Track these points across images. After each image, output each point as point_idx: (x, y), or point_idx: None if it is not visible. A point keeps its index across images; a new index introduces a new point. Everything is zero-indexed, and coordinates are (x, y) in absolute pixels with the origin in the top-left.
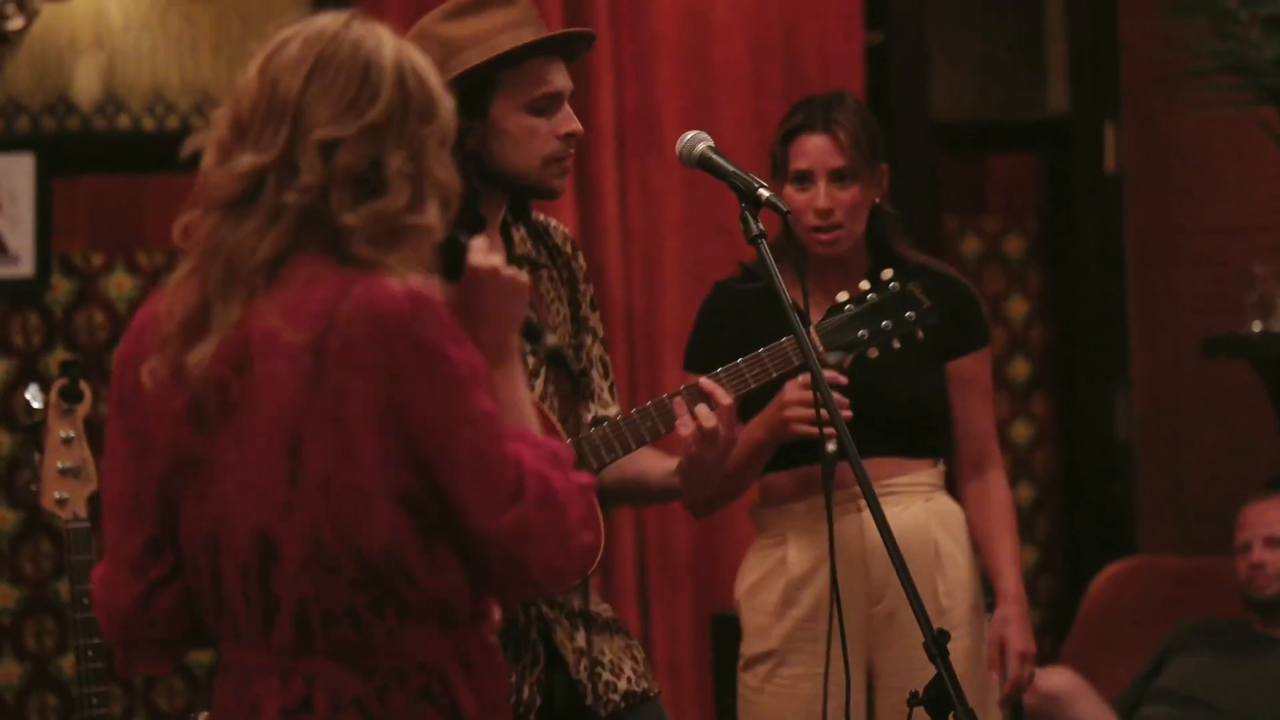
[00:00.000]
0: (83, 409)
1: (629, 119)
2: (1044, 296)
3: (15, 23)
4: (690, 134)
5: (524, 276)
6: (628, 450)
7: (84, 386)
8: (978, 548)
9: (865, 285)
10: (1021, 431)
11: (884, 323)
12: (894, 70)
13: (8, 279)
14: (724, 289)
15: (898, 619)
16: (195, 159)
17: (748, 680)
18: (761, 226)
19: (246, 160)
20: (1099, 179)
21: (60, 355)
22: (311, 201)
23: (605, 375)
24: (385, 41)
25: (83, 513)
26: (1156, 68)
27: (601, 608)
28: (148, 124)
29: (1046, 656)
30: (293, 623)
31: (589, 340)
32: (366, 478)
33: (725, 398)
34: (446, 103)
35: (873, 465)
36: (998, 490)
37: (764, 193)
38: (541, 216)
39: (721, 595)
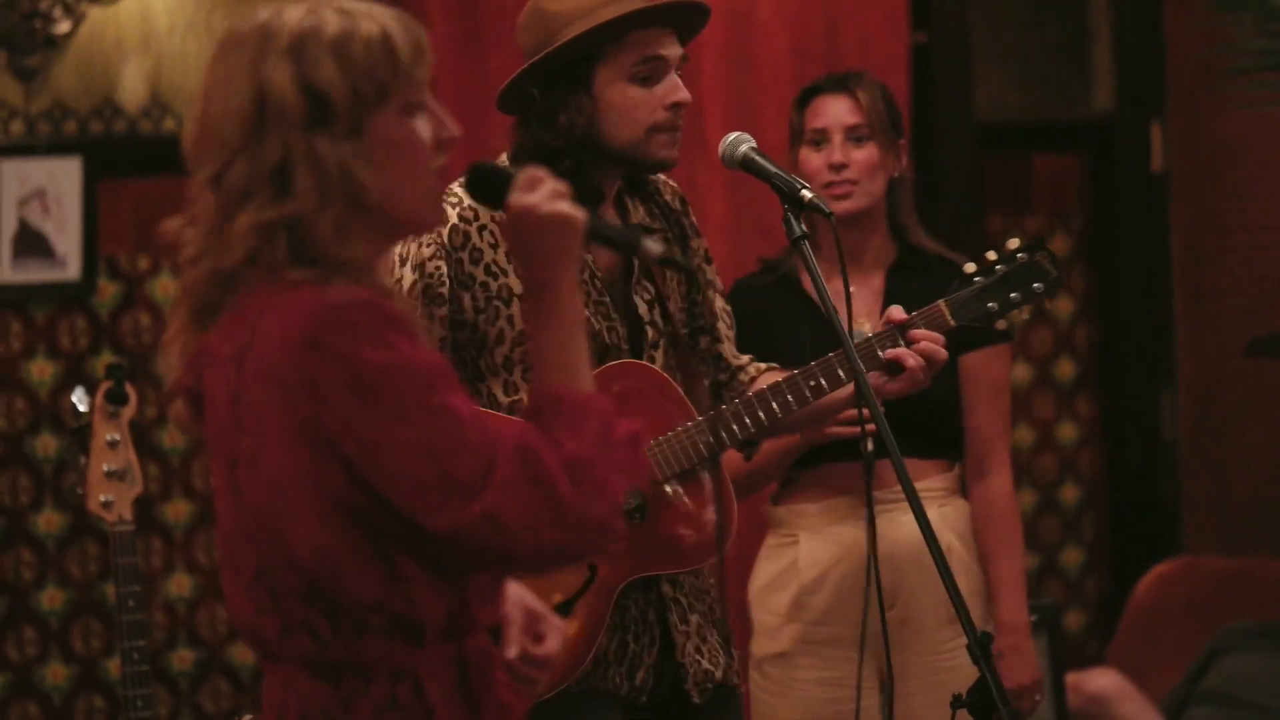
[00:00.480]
0: (128, 412)
1: None
2: (1089, 296)
3: (62, 26)
4: (733, 135)
5: (575, 212)
6: (759, 426)
7: (129, 389)
8: (981, 558)
9: (992, 256)
10: (1068, 432)
11: (1013, 294)
12: (938, 70)
13: (55, 282)
14: (741, 285)
15: (909, 625)
16: None
17: (759, 681)
18: (804, 228)
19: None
20: (1144, 178)
21: (106, 358)
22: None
23: (731, 326)
24: (269, 52)
25: (128, 515)
26: (1201, 66)
27: (711, 595)
28: None
29: (1093, 657)
30: (258, 633)
31: (711, 294)
32: (292, 491)
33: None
34: (340, 96)
35: (887, 467)
36: (998, 498)
37: (807, 194)
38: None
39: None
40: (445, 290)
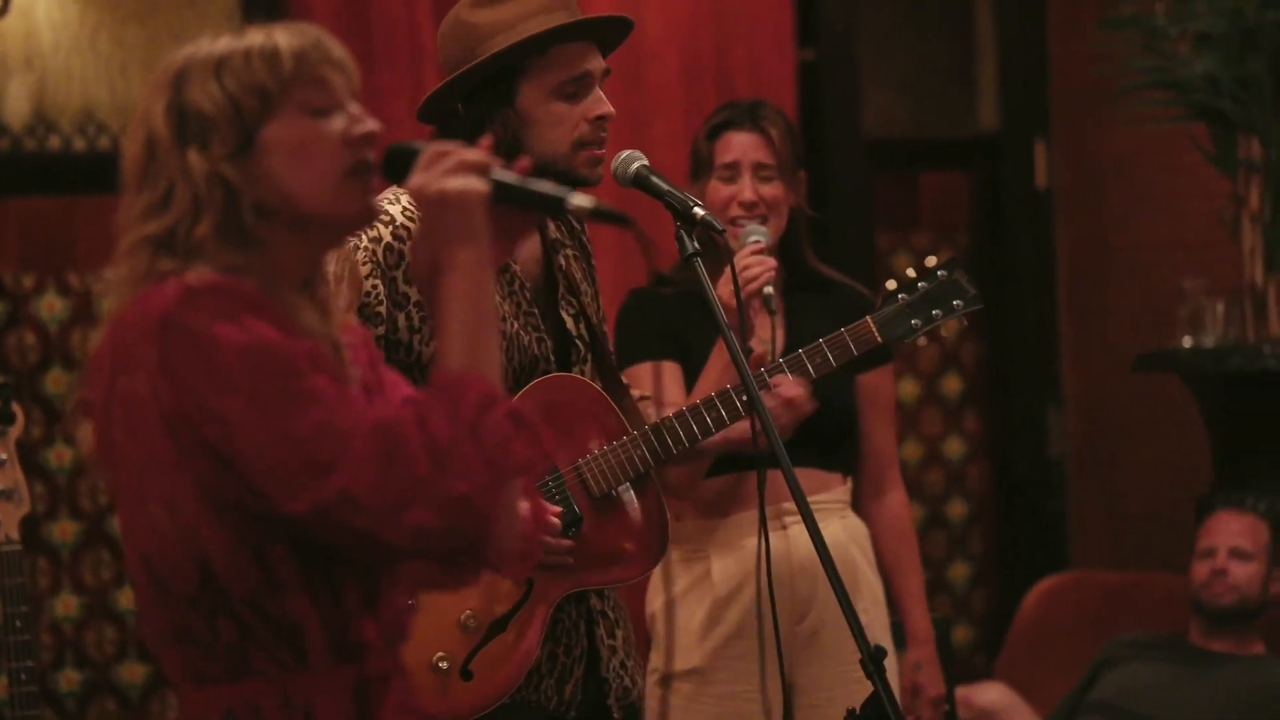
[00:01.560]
0: (14, 431)
1: None
2: (976, 312)
3: None
4: (625, 153)
5: (472, 185)
6: (693, 440)
7: (16, 409)
8: (882, 573)
9: (912, 273)
10: (954, 447)
11: (935, 310)
12: (826, 88)
13: None
14: (641, 294)
15: (820, 638)
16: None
17: (665, 697)
18: (697, 245)
19: None
20: (1030, 195)
21: None
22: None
23: (618, 395)
24: (155, 88)
25: (15, 535)
26: (1086, 84)
27: (623, 610)
28: (79, 145)
29: (981, 672)
30: (155, 649)
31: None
32: (162, 480)
33: (795, 389)
34: (199, 104)
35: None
36: (900, 515)
37: (699, 211)
38: None
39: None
40: (382, 309)
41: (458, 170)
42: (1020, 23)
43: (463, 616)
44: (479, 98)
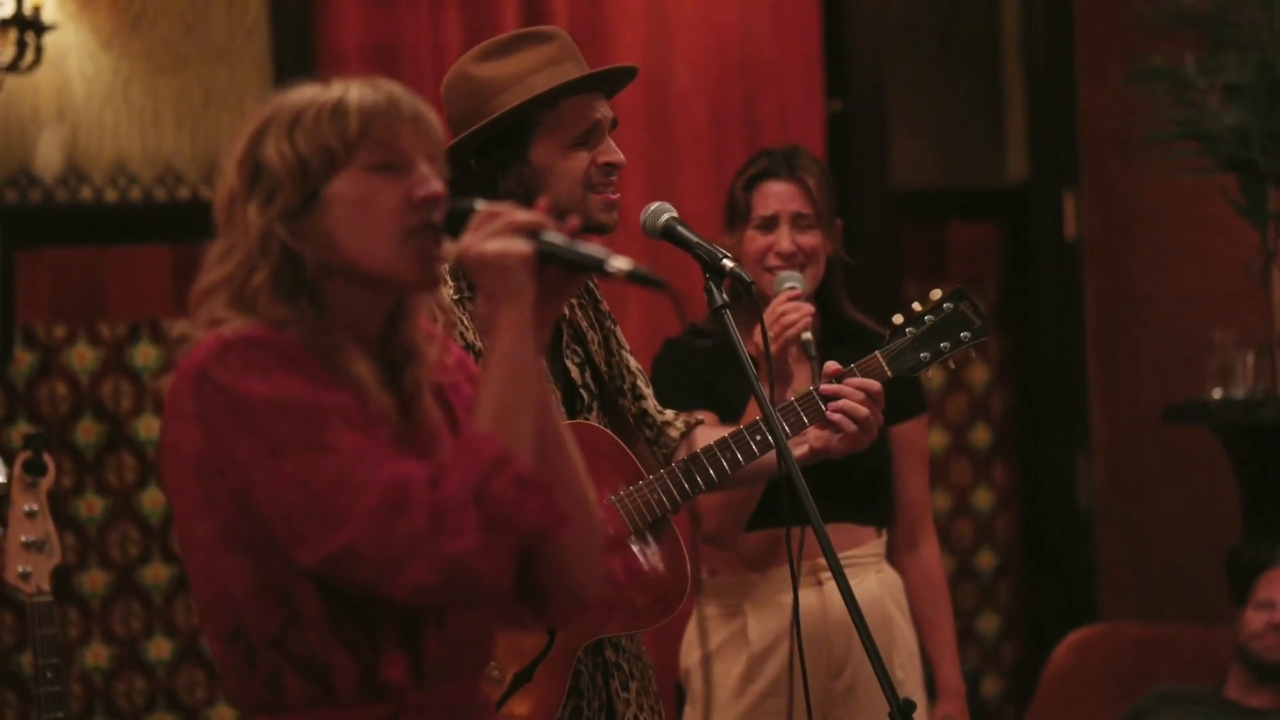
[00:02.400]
0: (46, 482)
1: None
2: (1004, 363)
3: None
4: (654, 205)
5: (514, 247)
6: (710, 483)
7: (48, 460)
8: (915, 625)
9: (919, 307)
10: (983, 498)
11: (943, 343)
12: (854, 138)
13: None
14: (674, 344)
15: (856, 694)
16: (156, 231)
17: None
18: (726, 297)
19: None
20: (1059, 246)
21: (23, 428)
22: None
23: (648, 384)
24: (240, 139)
25: (46, 586)
26: (1116, 135)
27: (648, 665)
28: (110, 196)
29: None
30: (224, 682)
31: (624, 354)
32: (193, 523)
33: (873, 384)
34: (267, 160)
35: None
36: (933, 568)
37: (728, 263)
38: None
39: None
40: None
41: (503, 232)
42: (1049, 73)
43: (488, 668)
44: (491, 153)
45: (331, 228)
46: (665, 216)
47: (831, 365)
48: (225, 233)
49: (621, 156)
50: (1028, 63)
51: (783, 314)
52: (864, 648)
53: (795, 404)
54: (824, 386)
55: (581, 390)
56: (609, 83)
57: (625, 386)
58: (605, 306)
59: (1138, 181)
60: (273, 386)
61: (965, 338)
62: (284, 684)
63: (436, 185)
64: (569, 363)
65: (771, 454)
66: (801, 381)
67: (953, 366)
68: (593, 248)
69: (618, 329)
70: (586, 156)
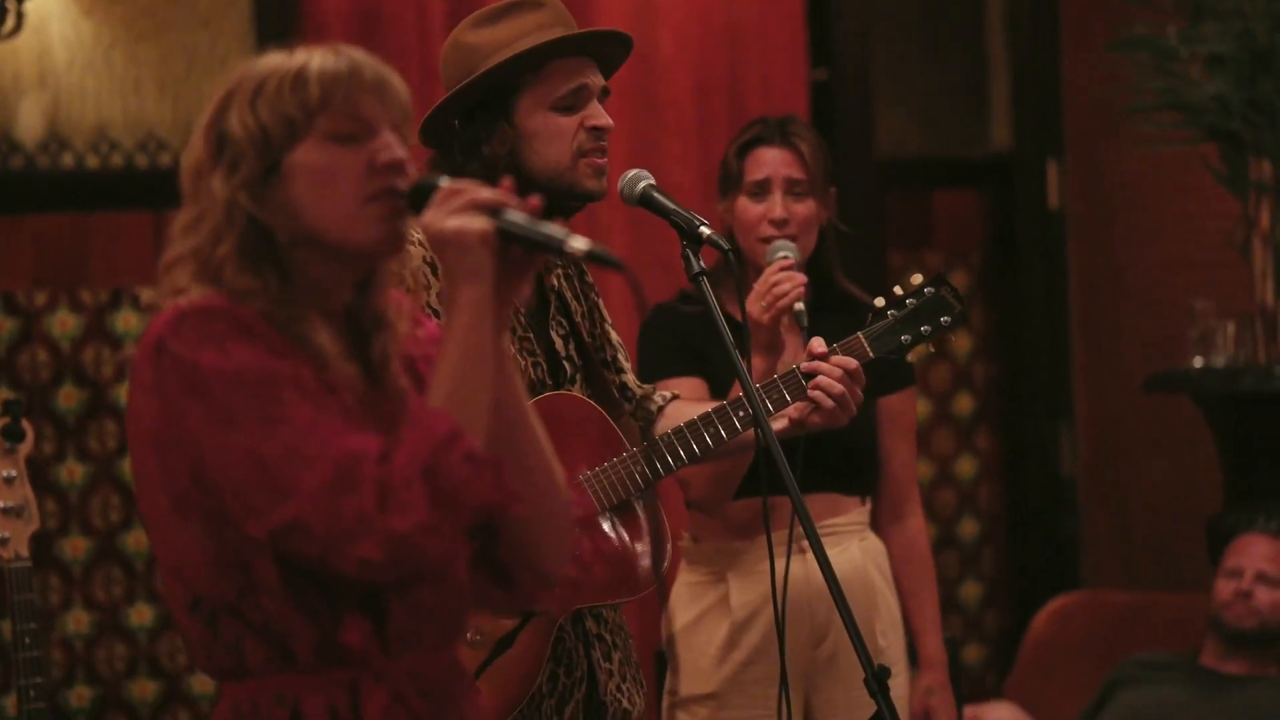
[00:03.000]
0: (25, 448)
1: None
2: (988, 332)
3: None
4: (631, 172)
5: (473, 224)
6: (693, 457)
7: (26, 425)
8: (899, 596)
9: (899, 290)
10: (966, 467)
11: (923, 327)
12: (839, 107)
13: None
14: (663, 309)
15: (837, 661)
16: (138, 198)
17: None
18: (703, 264)
19: None
20: (1042, 215)
21: (4, 394)
22: None
23: (628, 357)
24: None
25: (24, 552)
26: (1099, 105)
27: (629, 635)
28: (92, 163)
29: (992, 691)
30: (188, 650)
31: (606, 326)
32: (158, 496)
33: (851, 362)
34: (230, 130)
35: (810, 502)
36: (918, 539)
37: (705, 230)
38: None
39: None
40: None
41: (463, 209)
42: (1033, 43)
43: (469, 633)
44: (476, 115)
45: (294, 197)
46: (643, 184)
47: (816, 344)
48: (191, 201)
49: (609, 120)
50: (1012, 32)
51: (775, 284)
52: (839, 615)
53: (779, 381)
54: (805, 364)
55: (565, 362)
56: (596, 46)
57: (608, 358)
58: (590, 278)
59: (1121, 151)
60: (227, 357)
61: (945, 322)
62: (245, 649)
63: (399, 151)
64: (554, 334)
65: (747, 431)
66: (793, 351)
67: (932, 350)
68: (552, 227)
69: (600, 301)
70: (571, 120)
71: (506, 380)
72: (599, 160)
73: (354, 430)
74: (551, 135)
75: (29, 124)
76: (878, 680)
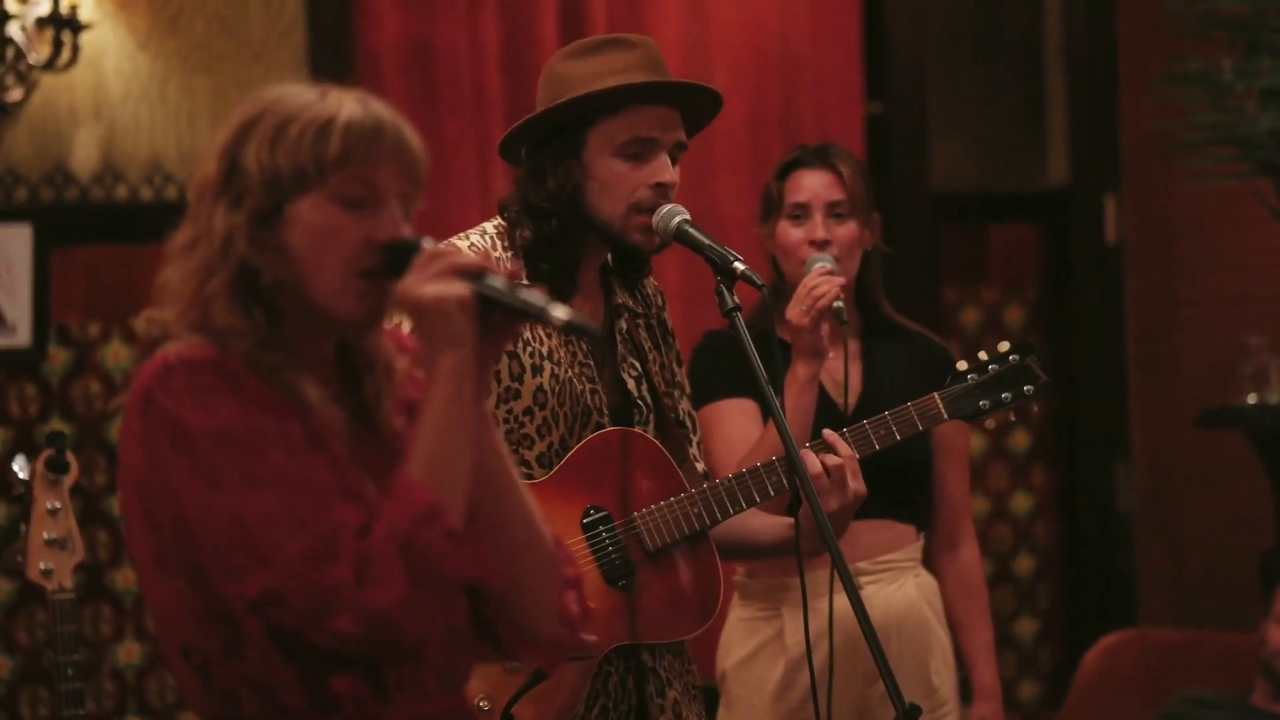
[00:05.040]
0: (69, 479)
1: None
2: (1044, 367)
3: (14, 94)
4: (666, 207)
5: (451, 291)
6: (751, 503)
7: (70, 457)
8: (952, 627)
9: (984, 355)
10: (1022, 502)
11: (1004, 394)
12: (894, 141)
13: (5, 349)
14: (715, 334)
15: (890, 700)
16: None
17: None
18: (737, 300)
19: None
20: (1099, 249)
21: (57, 425)
22: None
23: (695, 431)
24: (227, 126)
25: (68, 583)
26: (1155, 140)
27: (691, 670)
28: (145, 194)
29: None
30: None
31: (679, 395)
32: (142, 547)
33: (846, 449)
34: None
35: (865, 530)
36: (972, 568)
37: (739, 266)
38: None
39: (709, 668)
40: None
41: (443, 275)
42: (1091, 77)
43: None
44: (549, 146)
45: (289, 244)
46: (677, 219)
47: (827, 434)
48: (191, 221)
49: (673, 177)
50: (1069, 66)
51: (813, 287)
52: (870, 651)
53: (776, 463)
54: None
55: (639, 402)
56: (679, 98)
57: (681, 417)
58: (673, 340)
59: (1177, 186)
60: (213, 415)
61: (1028, 391)
62: (240, 699)
63: (400, 231)
64: (625, 375)
65: None
66: (836, 371)
67: (1012, 419)
68: (533, 295)
69: (682, 370)
70: (635, 171)
71: (487, 443)
72: (650, 219)
73: (338, 492)
74: (612, 181)
75: (84, 156)
76: (909, 718)
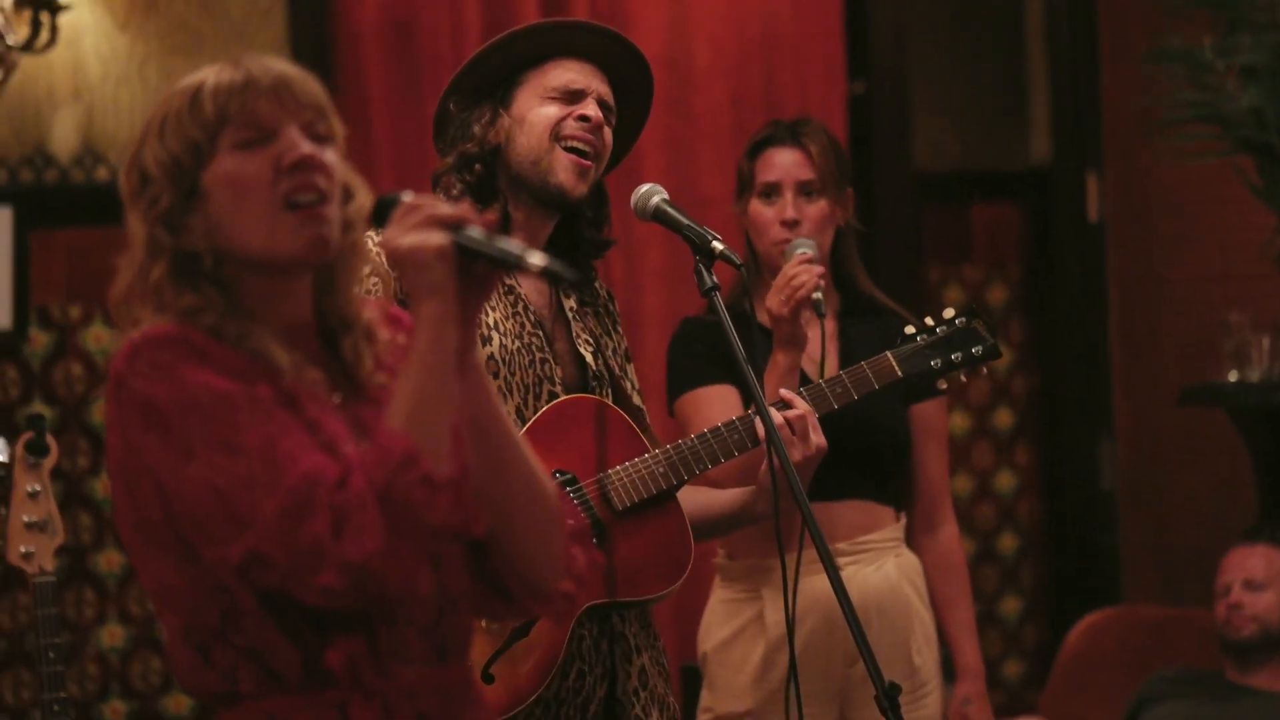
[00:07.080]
0: (49, 463)
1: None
2: (1027, 345)
3: None
4: (645, 187)
5: (432, 240)
6: (715, 463)
7: (50, 440)
8: (934, 607)
9: (930, 320)
10: (1006, 481)
11: (954, 355)
12: (876, 120)
13: None
14: (691, 321)
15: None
16: None
17: None
18: (715, 279)
19: None
20: (1081, 228)
21: (38, 408)
22: None
23: (645, 419)
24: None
25: (49, 567)
26: (1137, 118)
27: (658, 645)
28: None
29: (1032, 706)
30: (180, 679)
31: (633, 384)
32: (131, 527)
33: (804, 404)
34: (149, 156)
35: (844, 511)
36: (952, 548)
37: (717, 245)
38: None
39: (691, 649)
40: None
41: (421, 225)
42: (1072, 55)
43: (484, 621)
44: (478, 101)
45: (214, 214)
46: (656, 199)
47: (784, 392)
48: (128, 234)
49: (598, 113)
50: (1051, 44)
51: (793, 277)
52: (850, 631)
53: (737, 422)
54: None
55: (594, 372)
56: (601, 54)
57: (637, 397)
58: (618, 339)
59: (1159, 163)
60: (180, 386)
61: (977, 353)
62: (238, 675)
63: (306, 148)
64: (582, 349)
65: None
66: (814, 350)
67: (964, 379)
68: (511, 243)
69: (631, 366)
70: (560, 109)
71: (482, 395)
72: (583, 161)
73: (314, 448)
74: (535, 121)
75: (63, 138)
76: (888, 697)
